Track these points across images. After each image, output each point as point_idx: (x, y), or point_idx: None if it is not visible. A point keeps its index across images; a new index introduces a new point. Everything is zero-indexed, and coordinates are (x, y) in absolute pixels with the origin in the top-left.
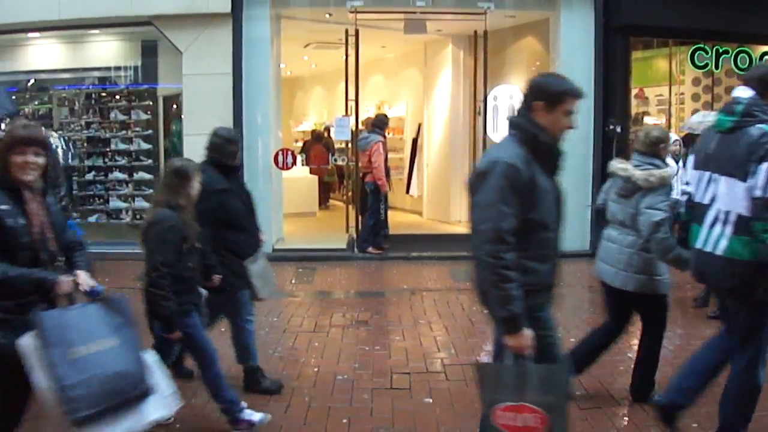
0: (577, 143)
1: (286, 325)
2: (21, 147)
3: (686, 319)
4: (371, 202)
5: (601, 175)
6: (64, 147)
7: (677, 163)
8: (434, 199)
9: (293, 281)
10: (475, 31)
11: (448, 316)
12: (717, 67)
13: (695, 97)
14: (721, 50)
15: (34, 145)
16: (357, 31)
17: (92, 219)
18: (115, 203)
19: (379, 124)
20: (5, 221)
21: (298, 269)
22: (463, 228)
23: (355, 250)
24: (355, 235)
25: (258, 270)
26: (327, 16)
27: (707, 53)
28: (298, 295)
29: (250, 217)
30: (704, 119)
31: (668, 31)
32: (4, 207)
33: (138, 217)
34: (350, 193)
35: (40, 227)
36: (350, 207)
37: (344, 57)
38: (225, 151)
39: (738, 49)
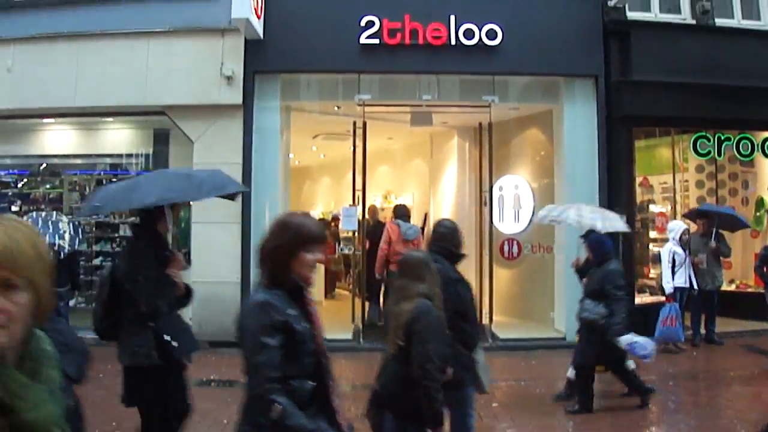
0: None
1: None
2: (314, 245)
3: None
4: None
5: None
6: (72, 233)
7: (684, 251)
8: None
9: None
10: (480, 123)
11: None
12: (720, 155)
13: (699, 184)
14: (723, 137)
15: (323, 242)
16: (365, 123)
17: None
18: None
19: (408, 213)
20: (295, 327)
21: None
22: None
23: (361, 341)
24: (361, 326)
25: (481, 362)
26: (335, 108)
27: (709, 141)
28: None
29: (473, 307)
30: (549, 213)
31: (670, 120)
32: (291, 312)
33: None
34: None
35: (319, 330)
36: (356, 297)
37: (352, 148)
38: (455, 241)
39: (740, 136)
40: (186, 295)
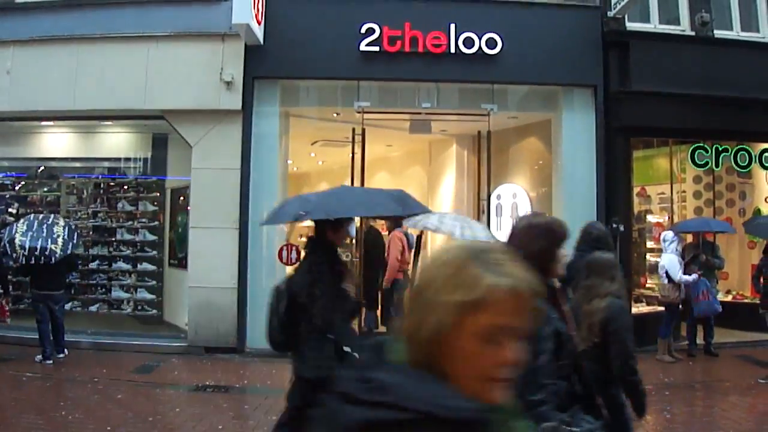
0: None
1: None
2: (563, 242)
3: None
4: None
5: None
6: (66, 237)
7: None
8: None
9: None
10: (479, 132)
11: None
12: (717, 165)
13: (696, 195)
14: (720, 148)
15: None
16: (363, 130)
17: (93, 308)
18: (117, 293)
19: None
20: (560, 329)
21: None
22: None
23: None
24: (358, 332)
25: None
26: (335, 115)
27: (707, 152)
28: None
29: None
30: (420, 220)
31: (668, 131)
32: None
33: (139, 308)
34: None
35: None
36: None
37: (351, 155)
38: (608, 244)
39: (737, 147)
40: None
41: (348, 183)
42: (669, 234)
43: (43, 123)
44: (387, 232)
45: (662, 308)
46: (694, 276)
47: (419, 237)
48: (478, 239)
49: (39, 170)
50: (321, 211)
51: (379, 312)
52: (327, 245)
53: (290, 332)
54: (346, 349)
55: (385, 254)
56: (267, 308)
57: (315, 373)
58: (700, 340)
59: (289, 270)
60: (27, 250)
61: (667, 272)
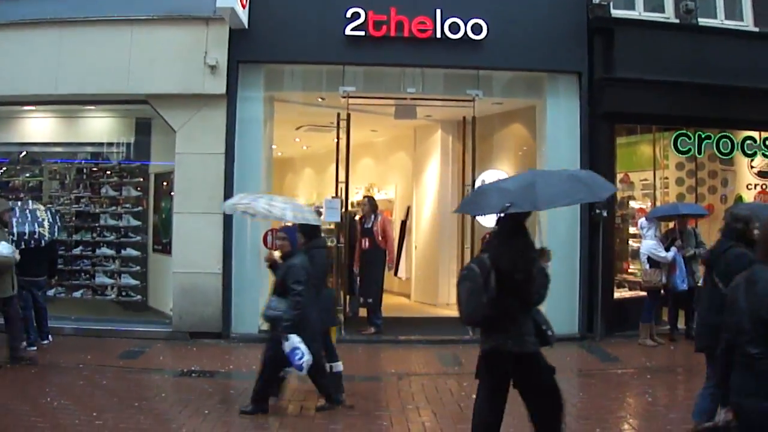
0: (565, 228)
1: (271, 408)
2: None
3: None
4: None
5: (589, 258)
6: (50, 221)
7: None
8: (422, 282)
9: None
10: (464, 117)
11: (436, 402)
12: (700, 152)
13: (679, 182)
14: (703, 136)
15: None
16: (348, 115)
17: (77, 294)
18: (101, 279)
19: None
20: None
21: None
22: (451, 311)
23: (343, 332)
24: (343, 318)
25: None
26: (319, 100)
27: (690, 139)
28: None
29: None
30: (239, 201)
31: (651, 117)
32: None
33: (123, 293)
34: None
35: None
36: (339, 289)
37: (335, 140)
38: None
39: (720, 135)
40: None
41: (332, 168)
42: (643, 221)
43: (25, 108)
44: (363, 216)
45: (644, 293)
46: (673, 250)
47: (404, 222)
48: (309, 222)
49: (21, 155)
50: (528, 203)
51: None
52: (524, 227)
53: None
54: (543, 327)
55: (378, 238)
56: (464, 286)
57: (521, 347)
58: (681, 325)
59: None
60: (16, 236)
61: (648, 257)
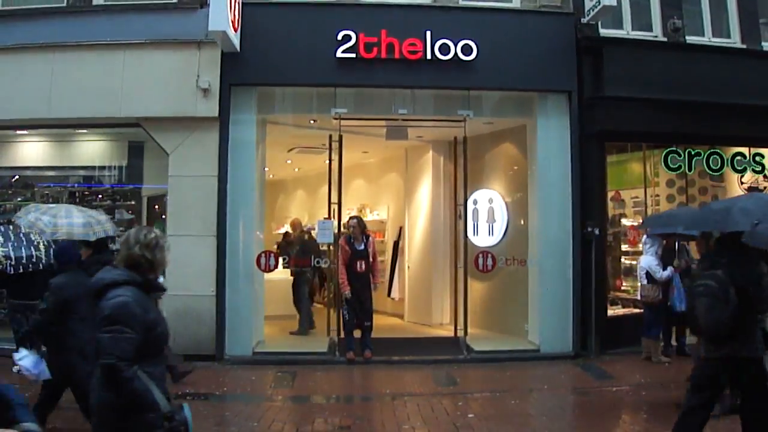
0: (557, 245)
1: (267, 431)
2: None
3: None
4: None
5: (582, 276)
6: (46, 244)
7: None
8: (415, 302)
9: (273, 385)
10: (455, 137)
11: (432, 421)
12: (690, 169)
13: (670, 198)
14: (693, 152)
15: None
16: (340, 137)
17: None
18: None
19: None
20: None
21: (278, 373)
22: (445, 331)
23: (337, 353)
24: (336, 339)
25: None
26: (311, 122)
27: (680, 156)
28: (278, 400)
29: None
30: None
31: (641, 135)
32: None
33: None
34: (332, 296)
35: None
36: (332, 310)
37: (327, 161)
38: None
39: (710, 151)
40: None
41: (324, 190)
42: (646, 237)
43: (18, 132)
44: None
45: (638, 310)
46: (670, 269)
47: (396, 243)
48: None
49: (13, 179)
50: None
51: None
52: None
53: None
54: None
55: (371, 260)
56: (703, 301)
57: (750, 353)
58: (674, 342)
59: (266, 276)
60: (14, 260)
61: (647, 272)
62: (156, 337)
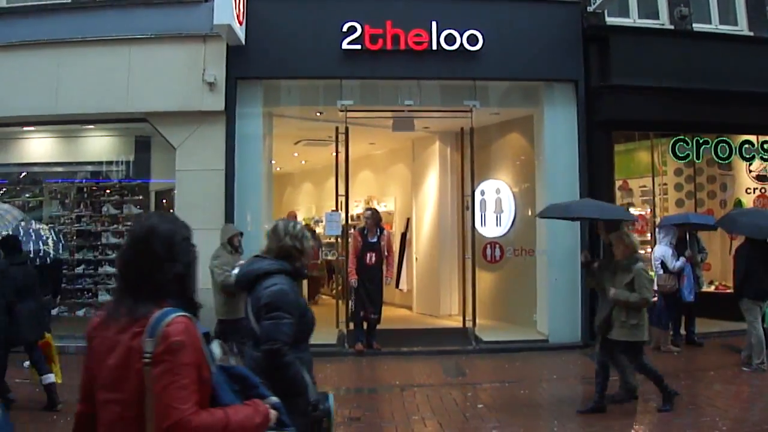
0: (565, 235)
1: None
2: None
3: None
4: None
5: None
6: (54, 239)
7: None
8: (424, 294)
9: None
10: (462, 128)
11: (441, 412)
12: (698, 158)
13: (678, 187)
14: (701, 141)
15: None
16: (347, 129)
17: (80, 312)
18: (104, 297)
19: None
20: None
21: None
22: (453, 322)
23: (346, 345)
24: (345, 330)
25: None
26: (317, 114)
27: (688, 144)
28: None
29: None
30: None
31: (649, 124)
32: None
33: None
34: (340, 288)
35: None
36: (340, 302)
37: (334, 153)
38: None
39: (717, 139)
40: None
41: (331, 182)
42: (659, 227)
43: (25, 128)
44: (365, 229)
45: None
46: (682, 259)
47: (404, 234)
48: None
49: (21, 176)
50: None
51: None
52: None
53: None
54: None
55: (384, 253)
56: None
57: None
58: (683, 331)
59: None
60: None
61: (662, 262)
62: (306, 322)
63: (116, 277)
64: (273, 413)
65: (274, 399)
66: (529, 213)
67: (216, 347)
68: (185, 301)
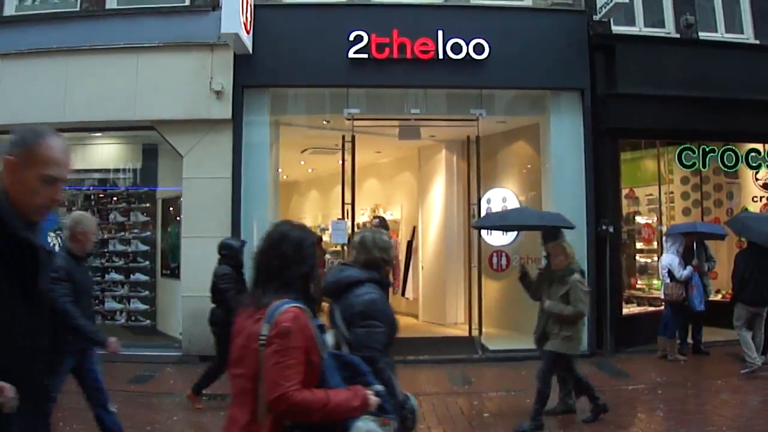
0: (571, 243)
1: None
2: None
3: None
4: None
5: (596, 274)
6: (61, 245)
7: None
8: (430, 302)
9: None
10: (468, 137)
11: (447, 421)
12: (704, 166)
13: (684, 196)
14: (707, 149)
15: None
16: (353, 137)
17: None
18: (110, 304)
19: None
20: None
21: None
22: (459, 330)
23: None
24: None
25: None
26: (324, 122)
27: (694, 152)
28: None
29: None
30: None
31: (655, 132)
32: None
33: (133, 318)
34: None
35: None
36: None
37: (340, 162)
38: None
39: (724, 148)
40: None
41: (337, 190)
42: (667, 236)
43: None
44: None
45: (653, 308)
46: (689, 268)
47: (410, 242)
48: None
49: None
50: None
51: None
52: None
53: None
54: None
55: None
56: None
57: None
58: (689, 340)
59: None
60: None
61: (669, 271)
62: (394, 329)
63: (252, 272)
64: (374, 399)
65: (379, 387)
66: None
67: (330, 337)
68: (304, 296)
